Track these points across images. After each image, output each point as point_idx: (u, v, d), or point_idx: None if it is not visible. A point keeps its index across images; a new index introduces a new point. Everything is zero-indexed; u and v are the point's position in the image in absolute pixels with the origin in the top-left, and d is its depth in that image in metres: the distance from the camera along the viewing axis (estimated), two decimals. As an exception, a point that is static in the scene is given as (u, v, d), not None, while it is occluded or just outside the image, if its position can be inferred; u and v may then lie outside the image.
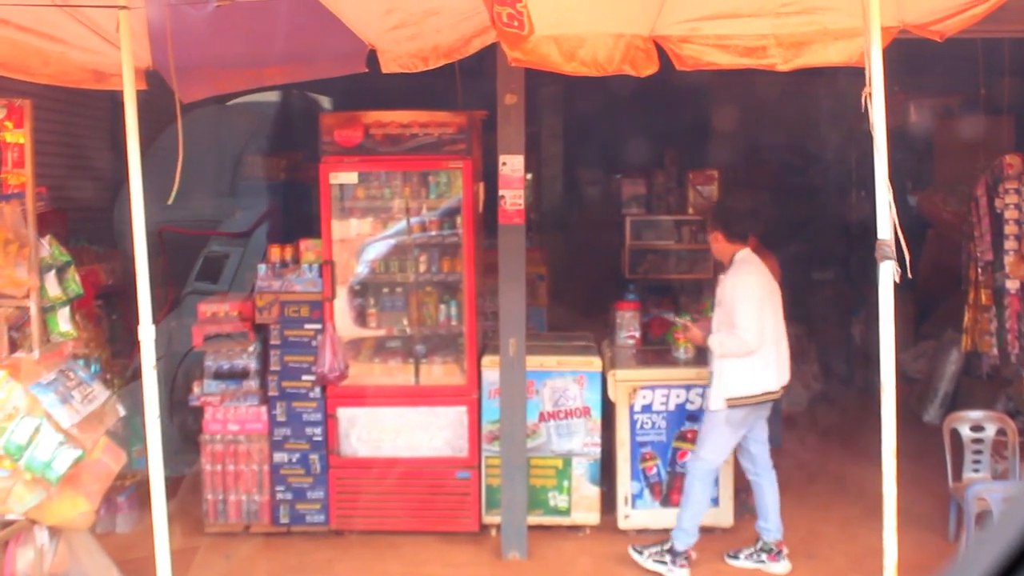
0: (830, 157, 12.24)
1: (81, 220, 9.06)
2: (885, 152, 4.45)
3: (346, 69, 6.13)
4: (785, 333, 6.71)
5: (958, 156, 9.73)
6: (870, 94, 4.47)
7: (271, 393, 7.41)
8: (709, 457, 6.66)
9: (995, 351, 8.39)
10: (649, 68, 5.72)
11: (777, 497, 6.82)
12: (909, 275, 4.51)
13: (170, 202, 5.12)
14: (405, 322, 7.69)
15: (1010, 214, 7.94)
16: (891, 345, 4.42)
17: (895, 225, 4.48)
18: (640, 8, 5.50)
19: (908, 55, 7.54)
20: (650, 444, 7.32)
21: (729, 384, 6.48)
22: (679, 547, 6.65)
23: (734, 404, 6.48)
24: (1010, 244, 7.97)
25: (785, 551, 6.78)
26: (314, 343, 7.32)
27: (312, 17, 5.37)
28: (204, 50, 5.82)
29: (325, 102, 12.63)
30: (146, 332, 4.98)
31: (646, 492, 7.33)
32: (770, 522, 6.77)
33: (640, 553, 6.76)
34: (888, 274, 4.45)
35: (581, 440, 7.39)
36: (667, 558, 6.66)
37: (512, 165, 6.94)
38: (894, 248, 4.42)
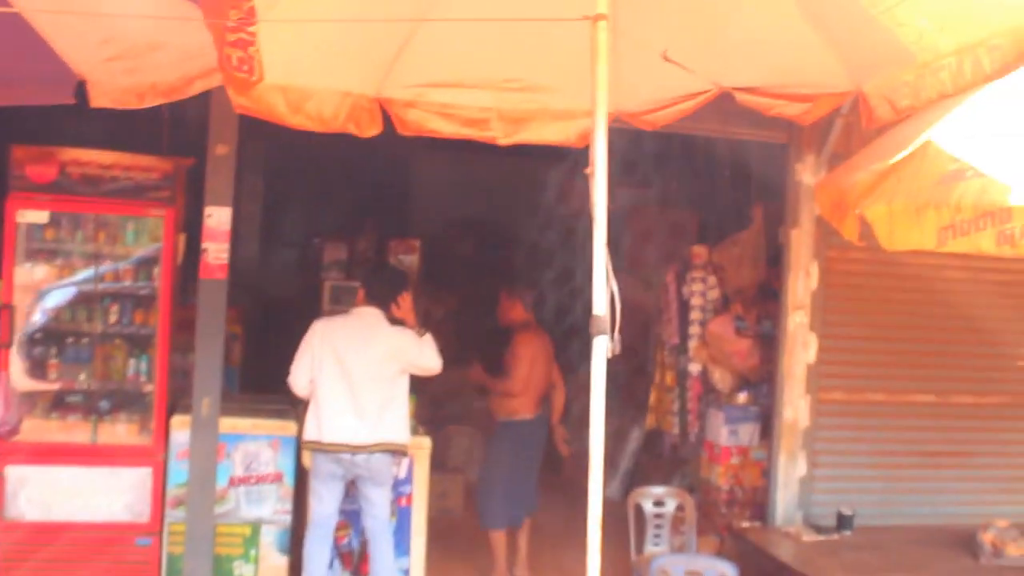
0: (528, 237, 12.60)
1: None
2: (604, 229, 4.57)
3: (51, 98, 5.64)
4: (369, 396, 6.72)
5: (649, 244, 10.29)
6: (592, 173, 4.59)
7: (-71, 447, 6.71)
8: (310, 511, 6.82)
9: (676, 430, 8.86)
10: (372, 129, 5.70)
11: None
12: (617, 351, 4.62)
13: None
14: (83, 376, 7.19)
15: (696, 301, 8.48)
16: (601, 415, 4.48)
17: (613, 300, 4.60)
18: (370, 67, 5.47)
19: (613, 145, 7.87)
20: (342, 513, 7.13)
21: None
22: None
23: (305, 446, 6.76)
24: (694, 329, 8.48)
25: None
26: (-16, 394, 6.71)
27: (15, 35, 4.95)
28: None
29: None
30: None
31: (336, 562, 7.13)
32: None
33: None
34: (601, 348, 4.54)
35: (272, 507, 7.12)
36: None
37: (219, 217, 6.75)
38: (608, 323, 4.52)
